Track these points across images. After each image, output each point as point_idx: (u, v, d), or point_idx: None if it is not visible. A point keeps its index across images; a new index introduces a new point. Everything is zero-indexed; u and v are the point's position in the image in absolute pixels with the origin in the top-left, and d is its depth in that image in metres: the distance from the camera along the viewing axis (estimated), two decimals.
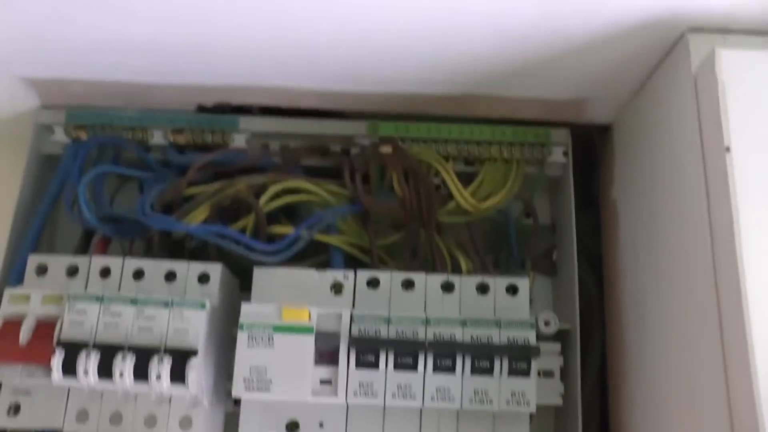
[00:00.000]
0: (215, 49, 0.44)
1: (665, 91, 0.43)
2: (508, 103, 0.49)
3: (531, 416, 0.48)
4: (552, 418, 0.50)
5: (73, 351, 0.41)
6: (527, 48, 0.43)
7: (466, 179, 0.51)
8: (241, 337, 0.42)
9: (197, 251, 0.50)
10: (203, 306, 0.43)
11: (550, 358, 0.46)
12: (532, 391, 0.42)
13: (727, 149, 0.36)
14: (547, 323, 0.46)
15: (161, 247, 0.49)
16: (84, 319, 0.43)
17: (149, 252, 0.50)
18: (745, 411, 0.32)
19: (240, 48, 0.44)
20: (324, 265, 0.48)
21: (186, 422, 0.43)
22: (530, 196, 0.52)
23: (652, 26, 0.40)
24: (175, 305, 0.43)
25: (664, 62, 0.43)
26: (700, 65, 0.39)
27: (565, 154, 0.51)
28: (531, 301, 0.47)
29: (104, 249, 0.50)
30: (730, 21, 0.39)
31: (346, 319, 0.42)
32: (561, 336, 0.48)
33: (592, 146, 0.55)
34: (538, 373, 0.45)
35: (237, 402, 0.44)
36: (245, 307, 0.42)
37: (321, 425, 0.42)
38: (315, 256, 0.51)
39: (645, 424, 0.44)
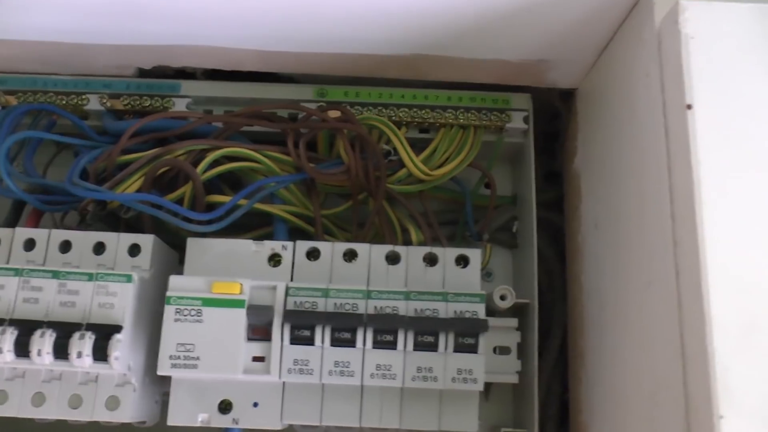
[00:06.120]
0: (147, 7, 0.41)
1: (629, 50, 0.40)
2: (463, 65, 0.46)
3: (485, 394, 0.46)
4: (510, 396, 0.48)
5: None
6: (480, 3, 0.40)
7: (421, 148, 0.48)
8: (168, 311, 0.39)
9: (134, 225, 0.47)
10: (130, 279, 0.40)
11: (506, 333, 0.44)
12: (480, 368, 0.39)
13: (689, 107, 0.33)
14: (503, 297, 0.44)
15: (95, 220, 0.46)
16: (1, 294, 0.40)
17: (82, 225, 0.46)
18: (701, 391, 0.30)
19: (172, 6, 0.41)
20: (268, 237, 0.45)
21: (113, 403, 0.40)
22: (489, 166, 0.49)
23: None
24: (100, 278, 0.40)
25: (628, 18, 0.40)
26: (664, 19, 0.36)
27: (526, 120, 0.49)
28: (489, 274, 0.45)
29: (36, 222, 0.47)
30: None
31: (280, 291, 0.40)
32: (520, 311, 0.46)
33: (556, 118, 0.52)
34: (494, 350, 0.43)
35: None
36: (173, 280, 0.40)
37: (255, 405, 0.39)
38: (260, 228, 0.48)
39: (601, 406, 0.42)
